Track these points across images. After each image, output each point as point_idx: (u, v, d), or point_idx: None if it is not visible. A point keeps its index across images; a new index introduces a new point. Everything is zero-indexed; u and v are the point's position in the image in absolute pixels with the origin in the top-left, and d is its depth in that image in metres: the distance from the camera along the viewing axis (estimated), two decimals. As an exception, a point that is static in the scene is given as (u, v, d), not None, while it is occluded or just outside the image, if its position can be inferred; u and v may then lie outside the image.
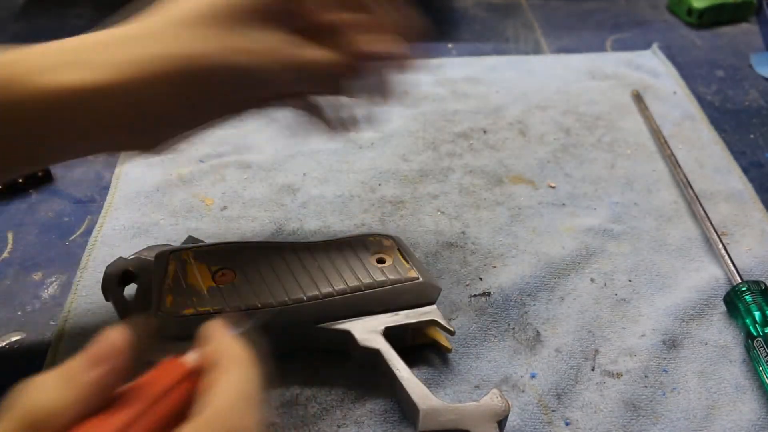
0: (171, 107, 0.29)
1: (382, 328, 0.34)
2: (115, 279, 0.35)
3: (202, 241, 0.39)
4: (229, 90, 0.30)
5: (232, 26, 0.29)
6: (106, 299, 0.36)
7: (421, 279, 0.36)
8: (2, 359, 0.36)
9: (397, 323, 0.34)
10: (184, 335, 0.32)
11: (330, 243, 0.38)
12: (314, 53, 0.31)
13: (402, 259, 0.37)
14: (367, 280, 0.35)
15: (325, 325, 0.34)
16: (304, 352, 0.36)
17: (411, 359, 0.35)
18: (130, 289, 0.36)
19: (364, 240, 0.38)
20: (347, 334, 0.34)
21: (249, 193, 0.47)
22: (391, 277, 0.36)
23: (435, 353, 0.37)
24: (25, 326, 0.38)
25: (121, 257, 0.36)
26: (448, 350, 0.36)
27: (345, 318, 0.34)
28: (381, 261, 0.37)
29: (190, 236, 0.40)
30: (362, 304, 0.34)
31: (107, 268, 0.36)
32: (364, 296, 0.35)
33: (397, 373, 0.32)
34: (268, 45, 0.30)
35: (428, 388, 0.32)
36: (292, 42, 0.30)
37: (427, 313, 0.35)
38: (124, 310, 0.35)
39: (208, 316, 0.33)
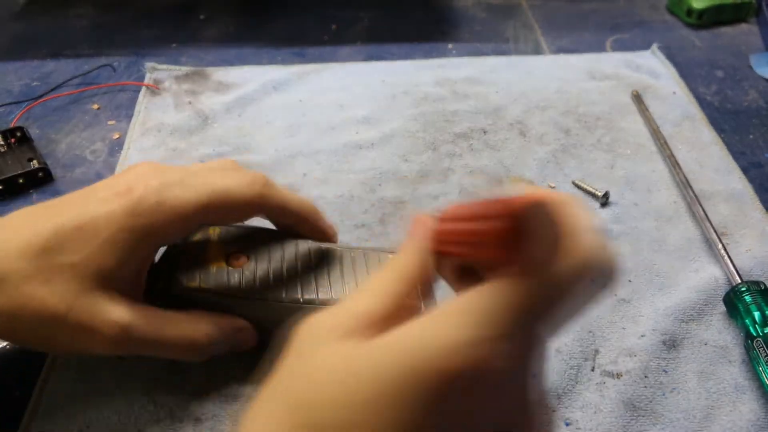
0: None
1: None
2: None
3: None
4: None
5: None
6: None
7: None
8: (2, 359, 0.36)
9: None
10: (182, 306, 0.33)
11: (347, 250, 0.37)
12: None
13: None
14: None
15: None
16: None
17: None
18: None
19: (383, 255, 0.37)
20: None
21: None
22: None
23: None
24: (25, 326, 0.38)
25: None
26: None
27: None
28: None
29: None
30: None
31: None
32: None
33: None
34: None
35: None
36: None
37: None
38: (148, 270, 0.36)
39: (208, 294, 0.34)
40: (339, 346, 0.21)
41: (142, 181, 0.30)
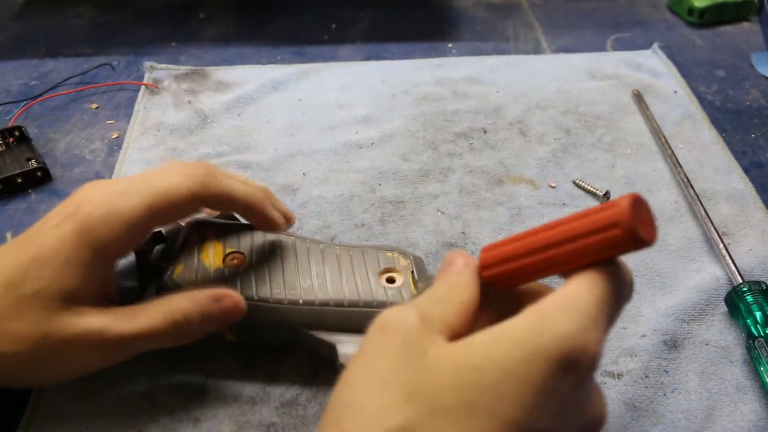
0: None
1: None
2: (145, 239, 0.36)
3: (237, 219, 0.39)
4: None
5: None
6: (135, 254, 0.37)
7: None
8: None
9: None
10: None
11: (346, 249, 0.37)
12: None
13: (411, 283, 0.36)
14: (366, 298, 0.34)
15: (314, 332, 0.33)
16: (302, 352, 0.36)
17: None
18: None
19: (381, 255, 0.37)
20: (332, 347, 0.33)
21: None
22: (393, 300, 0.34)
23: None
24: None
25: None
26: None
27: (335, 330, 0.33)
28: (391, 280, 0.36)
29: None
30: (355, 320, 0.33)
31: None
32: (359, 314, 0.33)
33: None
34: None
35: None
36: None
37: None
38: (144, 269, 0.36)
39: None
40: (443, 343, 0.24)
41: (87, 198, 0.31)
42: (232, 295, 0.33)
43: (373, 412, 0.22)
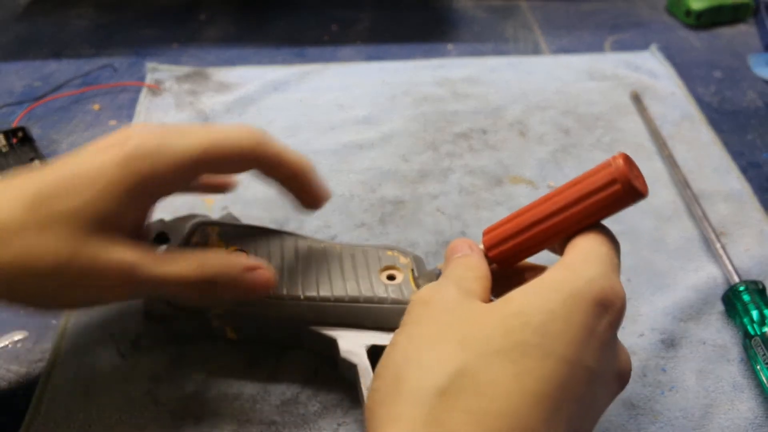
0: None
1: (369, 345, 0.33)
2: (149, 238, 0.37)
3: (238, 220, 0.39)
4: None
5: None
6: None
7: None
8: (4, 358, 0.36)
9: (384, 344, 0.33)
10: (182, 306, 0.34)
11: (347, 247, 0.37)
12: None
13: (411, 280, 0.36)
14: (367, 294, 0.34)
15: (314, 327, 0.34)
16: (302, 351, 0.36)
17: None
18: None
19: (382, 253, 0.37)
20: (333, 342, 0.33)
21: (250, 192, 0.47)
22: (393, 296, 0.35)
23: None
24: (26, 326, 0.38)
25: (161, 219, 0.38)
26: None
27: (336, 326, 0.34)
28: (391, 278, 0.36)
29: (229, 213, 0.40)
30: (355, 316, 0.34)
31: (146, 225, 0.37)
32: (360, 309, 0.34)
33: (365, 393, 0.31)
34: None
35: None
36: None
37: None
38: None
39: None
40: (483, 304, 0.26)
41: (139, 130, 0.30)
42: (264, 271, 0.32)
43: (430, 363, 0.24)
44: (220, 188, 0.39)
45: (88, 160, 0.29)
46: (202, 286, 0.31)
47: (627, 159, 0.27)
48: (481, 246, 0.30)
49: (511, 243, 0.29)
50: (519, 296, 0.25)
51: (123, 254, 0.29)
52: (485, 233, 0.30)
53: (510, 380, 0.23)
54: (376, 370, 0.26)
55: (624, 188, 0.26)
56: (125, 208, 0.29)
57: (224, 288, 0.31)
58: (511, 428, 0.22)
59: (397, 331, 0.27)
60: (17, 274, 0.27)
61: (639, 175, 0.27)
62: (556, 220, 0.28)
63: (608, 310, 0.24)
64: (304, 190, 0.35)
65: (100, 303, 0.30)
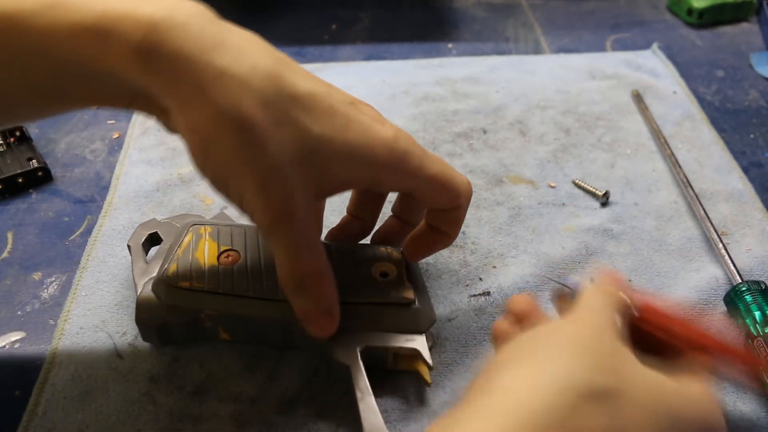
0: None
1: (362, 346, 0.33)
2: (141, 239, 0.37)
3: (232, 220, 0.39)
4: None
5: None
6: (132, 257, 0.37)
7: (416, 304, 0.34)
8: (2, 359, 0.36)
9: (377, 345, 0.33)
10: (175, 305, 0.34)
11: (339, 245, 0.37)
12: None
13: (404, 277, 0.35)
14: (360, 291, 0.34)
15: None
16: (301, 352, 0.36)
17: (394, 382, 0.35)
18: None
19: (375, 249, 0.37)
20: (326, 344, 0.33)
21: (249, 192, 0.47)
22: (385, 294, 0.34)
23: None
24: (25, 326, 0.38)
25: (154, 218, 0.38)
26: (428, 384, 0.34)
27: None
28: (384, 275, 0.36)
29: (222, 212, 0.40)
30: (349, 316, 0.33)
31: (138, 227, 0.38)
32: (351, 310, 0.33)
33: (358, 395, 0.31)
34: None
35: (406, 414, 0.31)
36: None
37: (412, 341, 0.33)
38: (139, 268, 0.36)
39: (200, 293, 0.34)
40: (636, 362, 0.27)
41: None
42: (330, 320, 0.32)
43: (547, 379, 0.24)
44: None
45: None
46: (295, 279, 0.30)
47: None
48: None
49: (663, 320, 0.31)
50: (662, 380, 0.26)
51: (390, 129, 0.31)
52: (642, 301, 0.32)
53: None
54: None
55: (751, 374, 0.32)
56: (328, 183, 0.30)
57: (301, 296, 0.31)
58: None
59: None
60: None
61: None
62: (703, 342, 0.31)
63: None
64: (446, 223, 0.35)
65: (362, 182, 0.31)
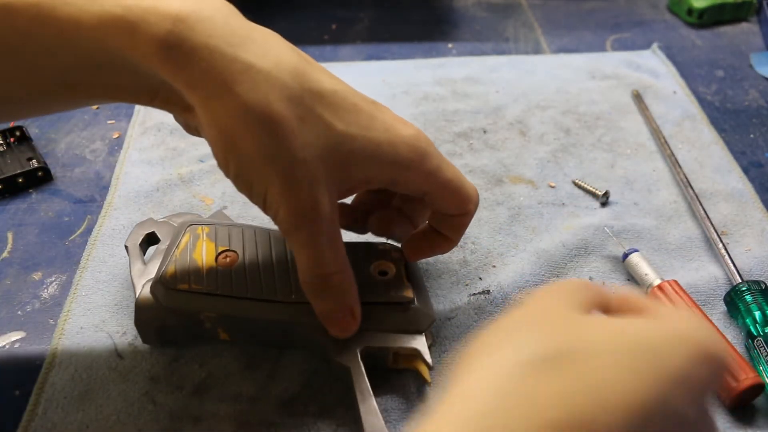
0: None
1: (362, 347, 0.33)
2: (139, 238, 0.37)
3: (230, 220, 0.39)
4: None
5: None
6: (129, 257, 0.37)
7: (416, 303, 0.34)
8: (2, 359, 0.36)
9: (377, 345, 0.33)
10: (174, 307, 0.33)
11: None
12: None
13: (404, 275, 0.35)
14: (359, 290, 0.34)
15: (306, 330, 0.33)
16: (302, 351, 0.36)
17: (394, 381, 0.34)
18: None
19: (373, 247, 0.37)
20: (326, 345, 0.33)
21: (249, 192, 0.47)
22: (384, 293, 0.34)
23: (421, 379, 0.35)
24: (25, 326, 0.38)
25: (151, 218, 0.38)
26: (428, 383, 0.34)
27: None
28: (383, 273, 0.36)
29: (221, 212, 0.40)
30: None
31: (136, 226, 0.38)
32: None
33: (359, 397, 0.31)
34: None
35: (406, 414, 0.31)
36: None
37: (411, 341, 0.33)
38: (137, 269, 0.36)
39: (198, 295, 0.33)
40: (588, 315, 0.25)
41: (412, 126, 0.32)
42: (352, 321, 0.32)
43: (529, 340, 0.23)
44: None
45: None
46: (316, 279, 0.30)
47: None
48: None
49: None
50: (627, 321, 0.24)
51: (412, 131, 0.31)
52: None
53: (612, 372, 0.21)
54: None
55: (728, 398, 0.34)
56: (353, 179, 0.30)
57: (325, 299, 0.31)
58: (606, 398, 0.20)
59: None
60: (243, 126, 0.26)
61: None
62: None
63: (708, 364, 0.23)
64: (451, 229, 0.35)
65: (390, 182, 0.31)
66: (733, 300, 0.39)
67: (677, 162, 0.50)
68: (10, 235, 0.44)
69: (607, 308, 0.26)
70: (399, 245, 0.38)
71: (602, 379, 0.21)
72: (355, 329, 0.32)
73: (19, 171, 0.47)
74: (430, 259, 0.42)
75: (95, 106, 0.57)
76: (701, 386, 0.23)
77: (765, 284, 0.39)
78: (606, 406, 0.20)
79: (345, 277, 0.31)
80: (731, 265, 0.41)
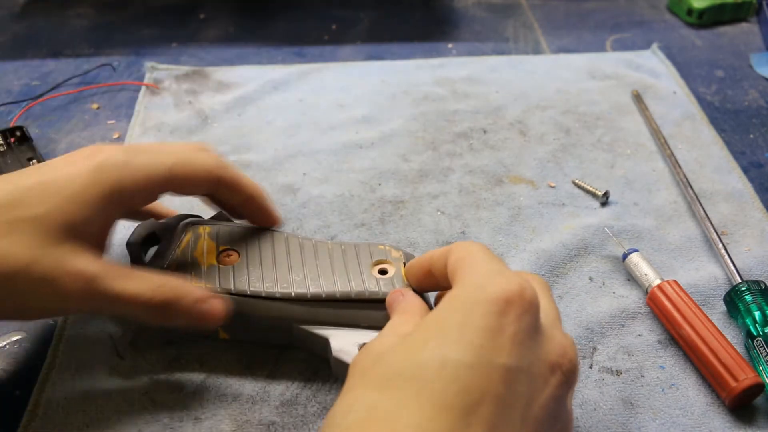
0: None
1: (361, 343, 0.33)
2: (140, 239, 0.36)
3: (231, 219, 0.39)
4: None
5: None
6: (131, 257, 0.37)
7: None
8: (2, 359, 0.36)
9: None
10: None
11: (338, 244, 0.37)
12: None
13: (404, 275, 0.36)
14: (358, 289, 0.34)
15: (306, 327, 0.34)
16: (302, 351, 0.36)
17: None
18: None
19: (373, 248, 0.37)
20: (325, 341, 0.33)
21: (249, 192, 0.47)
22: (385, 290, 0.34)
23: None
24: (25, 326, 0.38)
25: (151, 219, 0.38)
26: None
27: (328, 324, 0.33)
28: (383, 272, 0.36)
29: (221, 212, 0.40)
30: (347, 316, 0.33)
31: (137, 227, 0.37)
32: (351, 308, 0.34)
33: None
34: None
35: None
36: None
37: None
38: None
39: None
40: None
41: (107, 147, 0.31)
42: (216, 303, 0.32)
43: (345, 406, 0.25)
44: (162, 217, 0.39)
45: (57, 170, 0.30)
46: (155, 310, 0.31)
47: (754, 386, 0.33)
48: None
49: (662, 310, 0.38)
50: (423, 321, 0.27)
51: (86, 264, 0.29)
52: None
53: (409, 401, 0.23)
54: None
55: (727, 396, 0.34)
56: (91, 218, 0.30)
57: (176, 315, 0.31)
58: None
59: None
60: None
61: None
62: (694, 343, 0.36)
63: (512, 305, 0.25)
64: (259, 212, 0.37)
65: (56, 314, 0.30)
66: (732, 300, 0.39)
67: (677, 162, 0.50)
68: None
69: (436, 283, 0.32)
70: (399, 247, 0.38)
71: (404, 416, 0.23)
72: (223, 310, 0.32)
73: (19, 171, 0.47)
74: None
75: (95, 105, 0.57)
76: (516, 329, 0.24)
77: (765, 284, 0.39)
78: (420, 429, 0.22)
79: (167, 289, 0.31)
80: (731, 265, 0.41)
